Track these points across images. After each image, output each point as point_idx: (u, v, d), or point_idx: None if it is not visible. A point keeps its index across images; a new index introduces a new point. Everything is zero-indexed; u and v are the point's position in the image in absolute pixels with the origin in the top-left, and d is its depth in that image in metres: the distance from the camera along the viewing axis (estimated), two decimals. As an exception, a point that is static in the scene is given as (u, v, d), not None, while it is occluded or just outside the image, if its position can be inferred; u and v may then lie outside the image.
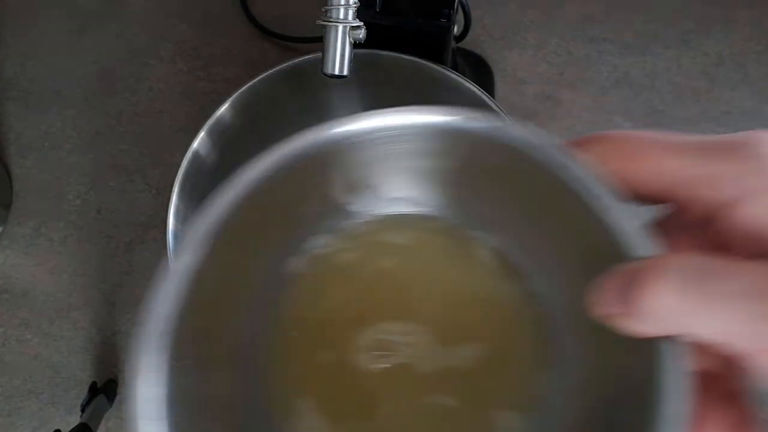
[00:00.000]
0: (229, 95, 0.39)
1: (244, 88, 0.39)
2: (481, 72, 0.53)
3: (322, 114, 0.45)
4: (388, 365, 0.24)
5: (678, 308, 0.16)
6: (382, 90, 0.43)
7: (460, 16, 0.41)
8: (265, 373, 0.24)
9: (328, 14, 0.31)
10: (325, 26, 0.32)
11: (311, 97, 0.43)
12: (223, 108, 0.39)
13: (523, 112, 0.52)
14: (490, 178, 0.24)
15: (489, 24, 0.55)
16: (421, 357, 0.24)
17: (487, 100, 0.39)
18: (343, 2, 0.31)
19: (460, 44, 0.48)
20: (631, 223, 0.18)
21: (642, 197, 0.18)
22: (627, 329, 0.17)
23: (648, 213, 0.19)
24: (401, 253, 0.27)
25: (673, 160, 0.18)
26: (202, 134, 0.39)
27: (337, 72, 0.32)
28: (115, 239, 0.51)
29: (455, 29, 0.40)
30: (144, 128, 0.53)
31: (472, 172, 0.24)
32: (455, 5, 0.38)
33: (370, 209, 0.26)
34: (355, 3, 0.31)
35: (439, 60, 0.39)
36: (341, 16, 0.31)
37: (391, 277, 0.26)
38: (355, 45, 0.33)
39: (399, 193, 0.26)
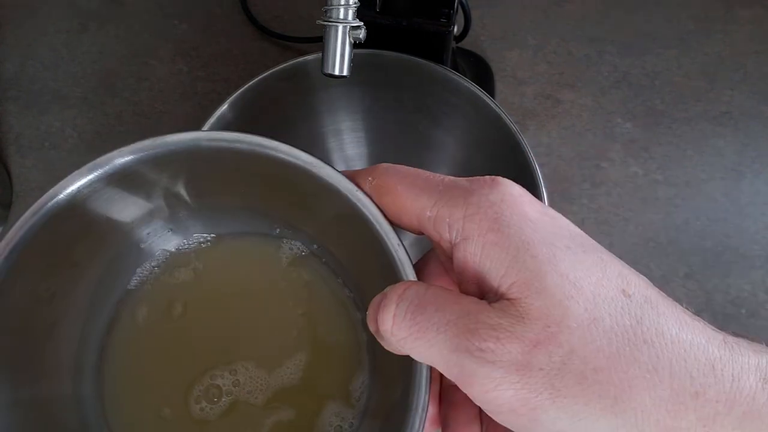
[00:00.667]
0: (229, 95, 0.39)
1: (244, 88, 0.39)
2: (481, 72, 0.53)
3: (322, 114, 0.45)
4: (222, 409, 0.25)
5: (395, 334, 0.18)
6: (382, 90, 0.43)
7: (460, 16, 0.41)
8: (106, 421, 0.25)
9: (328, 14, 0.31)
10: (325, 26, 0.32)
11: (311, 97, 0.43)
12: (223, 108, 0.39)
13: (523, 112, 0.52)
14: (288, 200, 0.25)
15: (489, 24, 0.55)
16: (250, 391, 0.26)
17: (487, 100, 0.39)
18: (343, 2, 0.31)
19: (460, 44, 0.48)
20: (398, 249, 0.21)
21: (405, 228, 0.21)
22: (384, 346, 0.19)
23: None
24: (198, 290, 0.27)
25: (415, 201, 0.20)
26: (202, 134, 0.39)
27: (337, 72, 0.32)
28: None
29: (455, 29, 0.40)
30: (144, 128, 0.53)
31: (269, 193, 0.25)
32: (455, 5, 0.38)
33: (162, 247, 0.27)
34: (355, 3, 0.31)
35: (439, 60, 0.39)
36: (341, 16, 0.31)
37: (199, 321, 0.27)
38: (355, 45, 0.33)
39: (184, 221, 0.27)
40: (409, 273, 0.21)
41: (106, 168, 0.22)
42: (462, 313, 0.18)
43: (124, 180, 0.23)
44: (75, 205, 0.22)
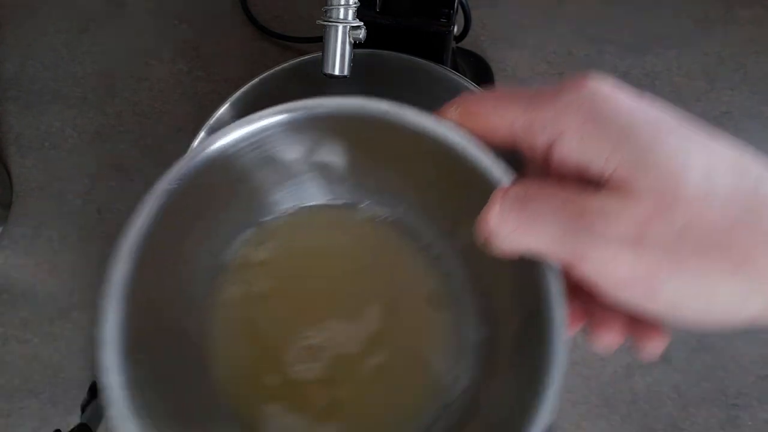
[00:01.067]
0: (229, 95, 0.39)
1: (244, 88, 0.39)
2: (481, 72, 0.53)
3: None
4: (321, 366, 0.26)
5: (503, 229, 0.19)
6: (382, 90, 0.42)
7: (460, 16, 0.41)
8: (215, 383, 0.26)
9: (328, 14, 0.31)
10: (325, 26, 0.32)
11: (311, 97, 0.43)
12: (223, 108, 0.39)
13: (523, 112, 0.52)
14: (381, 159, 0.26)
15: (489, 24, 0.55)
16: (343, 343, 0.27)
17: (487, 100, 0.39)
18: (343, 2, 0.31)
19: (460, 44, 0.48)
20: (494, 164, 0.21)
21: (498, 147, 0.21)
22: (494, 252, 0.20)
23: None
24: (281, 262, 0.28)
25: (503, 115, 0.20)
26: (202, 134, 0.39)
27: (337, 72, 0.32)
28: (115, 239, 0.51)
29: (455, 29, 0.40)
30: (144, 128, 0.53)
31: (364, 155, 0.26)
32: (455, 5, 0.38)
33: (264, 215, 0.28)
34: (355, 3, 0.31)
35: (439, 60, 0.39)
36: (341, 16, 0.31)
37: (283, 291, 0.28)
38: (355, 45, 0.33)
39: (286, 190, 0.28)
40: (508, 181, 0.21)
41: (249, 129, 0.23)
42: (567, 200, 0.18)
43: (255, 145, 0.24)
44: (216, 163, 0.23)
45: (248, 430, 0.26)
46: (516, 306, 0.23)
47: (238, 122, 0.23)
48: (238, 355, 0.27)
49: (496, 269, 0.22)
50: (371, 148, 0.25)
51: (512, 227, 0.19)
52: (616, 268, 0.17)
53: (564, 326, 0.20)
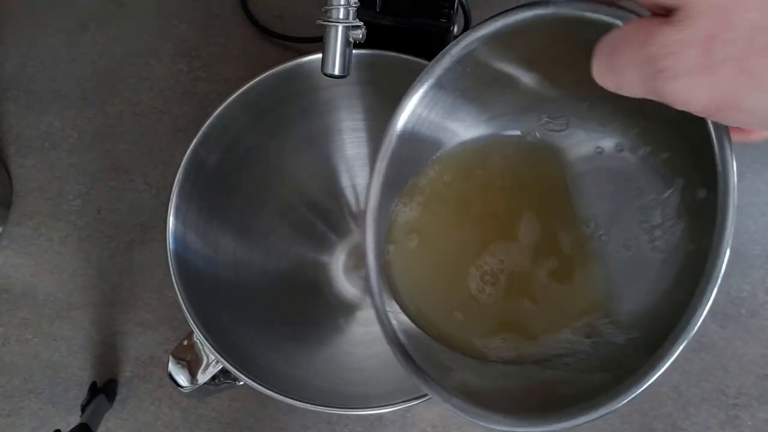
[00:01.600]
0: (229, 95, 0.39)
1: (244, 88, 0.39)
2: (481, 72, 0.53)
3: (322, 114, 0.45)
4: (503, 285, 0.28)
5: (608, 82, 0.19)
6: (383, 90, 0.43)
7: (460, 16, 0.41)
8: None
9: (328, 14, 0.31)
10: (325, 26, 0.32)
11: (311, 97, 0.43)
12: (223, 108, 0.39)
13: (523, 112, 0.52)
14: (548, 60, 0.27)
15: (489, 24, 0.55)
16: (514, 261, 0.28)
17: (487, 100, 0.39)
18: (343, 2, 0.31)
19: (460, 44, 0.48)
20: (616, 11, 0.22)
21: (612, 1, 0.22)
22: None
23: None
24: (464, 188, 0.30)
25: None
26: (202, 134, 0.39)
27: (337, 72, 0.32)
28: (115, 239, 0.51)
29: (455, 29, 0.40)
30: (144, 128, 0.53)
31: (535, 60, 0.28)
32: (455, 5, 0.38)
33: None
34: (355, 3, 0.31)
35: (439, 60, 0.39)
36: (341, 16, 0.31)
37: (446, 227, 0.29)
38: (355, 45, 0.33)
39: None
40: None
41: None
42: (642, 43, 0.18)
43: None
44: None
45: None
46: (685, 150, 0.24)
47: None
48: (427, 296, 0.28)
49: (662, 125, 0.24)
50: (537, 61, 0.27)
51: (611, 81, 0.19)
52: (697, 97, 0.17)
53: (729, 146, 0.20)
